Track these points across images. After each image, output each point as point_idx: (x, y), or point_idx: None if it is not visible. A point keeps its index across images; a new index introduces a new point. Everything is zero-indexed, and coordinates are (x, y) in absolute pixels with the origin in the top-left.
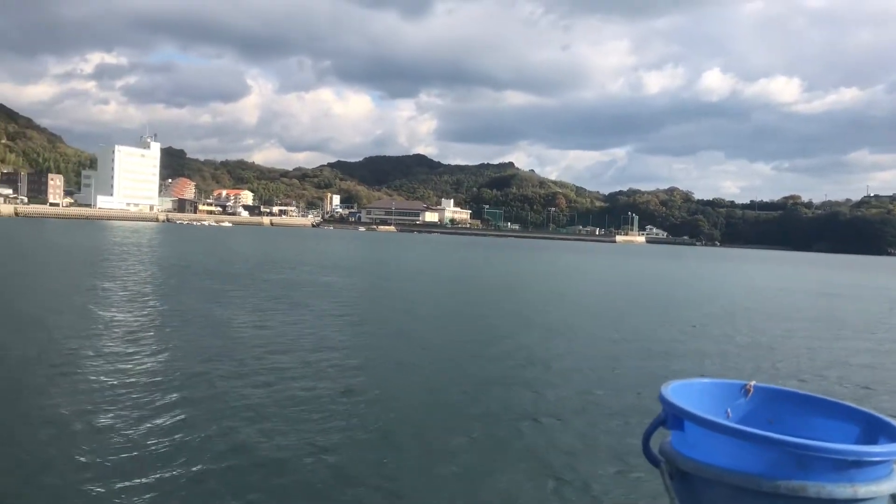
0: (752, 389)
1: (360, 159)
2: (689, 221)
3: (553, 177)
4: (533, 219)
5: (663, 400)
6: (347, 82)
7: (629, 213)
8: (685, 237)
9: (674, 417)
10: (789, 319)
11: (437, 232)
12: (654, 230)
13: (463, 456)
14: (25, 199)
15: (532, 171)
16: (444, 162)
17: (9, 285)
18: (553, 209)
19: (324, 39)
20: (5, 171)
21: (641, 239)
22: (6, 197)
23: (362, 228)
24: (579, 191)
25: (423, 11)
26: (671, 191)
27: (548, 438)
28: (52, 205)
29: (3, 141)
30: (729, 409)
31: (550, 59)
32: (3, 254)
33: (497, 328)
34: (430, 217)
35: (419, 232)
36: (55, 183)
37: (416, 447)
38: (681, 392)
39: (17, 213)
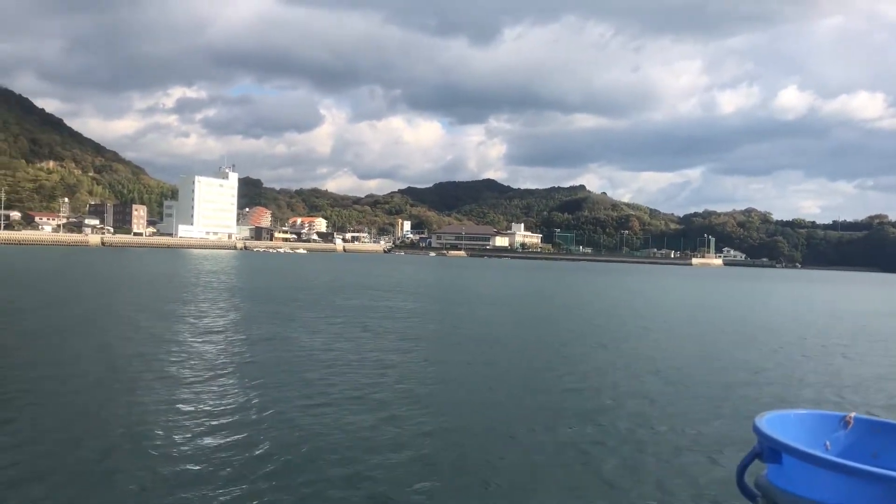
0: (852, 421)
1: (430, 185)
2: (768, 243)
3: (625, 199)
4: (606, 242)
5: (758, 432)
6: (417, 110)
7: (705, 236)
8: (764, 259)
9: (770, 450)
10: (885, 343)
11: (507, 256)
12: (732, 252)
13: (543, 489)
14: (111, 230)
15: (604, 193)
16: (514, 186)
17: (97, 310)
18: (626, 232)
19: (394, 69)
20: (93, 203)
21: (718, 261)
22: (94, 227)
23: (433, 254)
24: (653, 213)
25: (492, 38)
26: (748, 212)
27: (633, 471)
28: (135, 234)
29: (91, 174)
30: (828, 442)
31: (620, 81)
32: (94, 281)
33: (574, 354)
34: (501, 241)
35: (489, 256)
36: (139, 213)
37: (495, 478)
38: (776, 423)
39: (103, 243)
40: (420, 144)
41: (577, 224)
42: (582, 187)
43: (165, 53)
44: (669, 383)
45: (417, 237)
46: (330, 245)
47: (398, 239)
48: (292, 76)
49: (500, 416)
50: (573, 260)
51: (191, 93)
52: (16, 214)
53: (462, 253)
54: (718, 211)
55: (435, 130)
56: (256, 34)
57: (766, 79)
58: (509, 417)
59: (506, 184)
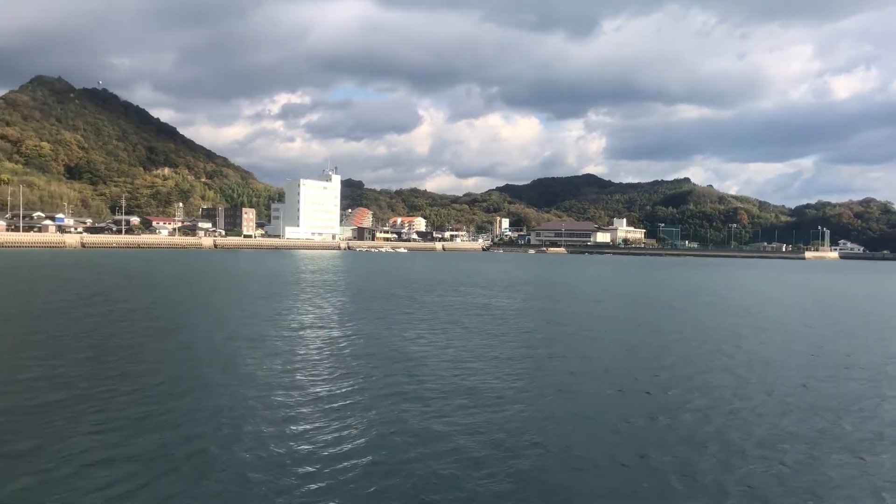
0: None
1: (529, 182)
2: (890, 234)
3: (733, 191)
4: (712, 236)
5: None
6: (515, 106)
7: (819, 228)
8: (885, 252)
9: None
10: None
11: (609, 252)
12: (849, 245)
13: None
14: (223, 232)
15: (710, 186)
16: (615, 181)
17: (216, 308)
18: (734, 225)
19: (491, 66)
20: (205, 207)
21: (834, 254)
22: (206, 230)
23: (532, 251)
24: (762, 205)
25: (590, 31)
26: (867, 202)
27: (781, 480)
28: (245, 236)
29: (203, 179)
30: None
31: (725, 70)
32: (211, 280)
33: (690, 355)
34: (602, 237)
35: (590, 253)
36: (248, 216)
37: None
38: None
39: (216, 245)
40: (517, 141)
41: (681, 218)
42: (686, 180)
43: (271, 61)
44: (806, 392)
45: (516, 234)
46: (429, 244)
47: (497, 237)
48: (391, 78)
49: (619, 418)
50: (679, 255)
51: (295, 98)
52: (135, 219)
53: (562, 250)
54: (833, 202)
55: (532, 126)
56: (356, 38)
57: (884, 61)
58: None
59: (606, 178)
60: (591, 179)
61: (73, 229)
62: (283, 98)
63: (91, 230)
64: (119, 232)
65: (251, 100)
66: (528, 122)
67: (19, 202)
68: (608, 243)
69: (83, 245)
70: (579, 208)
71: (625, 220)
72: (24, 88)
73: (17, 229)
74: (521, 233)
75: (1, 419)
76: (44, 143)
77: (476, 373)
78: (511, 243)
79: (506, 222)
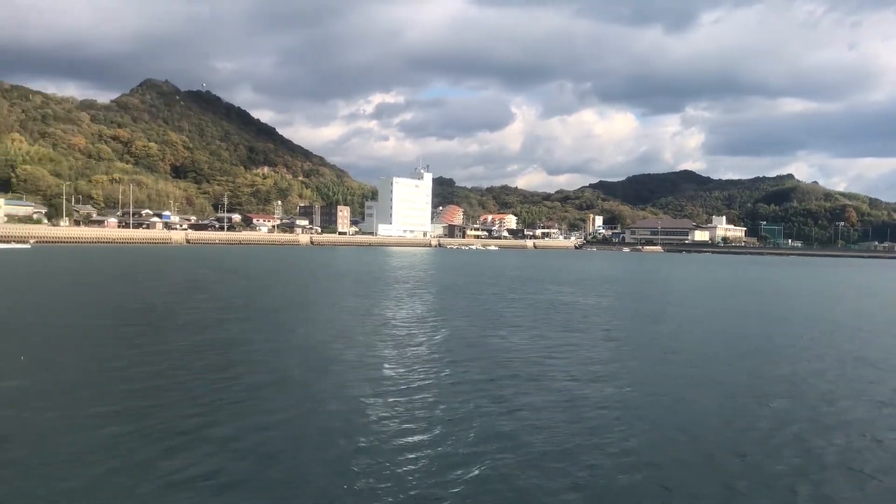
0: None
1: (623, 179)
2: None
3: (840, 188)
4: (817, 235)
5: None
6: (609, 102)
7: None
8: None
9: None
10: None
11: (707, 251)
12: None
13: None
14: (319, 229)
15: (814, 182)
16: (714, 177)
17: (315, 303)
18: (841, 224)
19: (585, 62)
20: (302, 205)
21: None
22: (303, 227)
23: (626, 249)
24: (873, 202)
25: (688, 24)
26: None
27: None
28: (340, 233)
29: (301, 178)
30: None
31: (833, 61)
32: (311, 276)
33: (799, 363)
34: (700, 236)
35: (687, 252)
36: (343, 214)
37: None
38: None
39: (312, 242)
40: (612, 137)
41: (784, 216)
42: (790, 176)
43: (366, 61)
44: None
45: (610, 232)
46: (520, 242)
47: (589, 234)
48: (483, 76)
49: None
50: (781, 254)
51: (389, 98)
52: (236, 217)
53: (658, 248)
54: None
55: (627, 122)
56: (449, 37)
57: None
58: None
59: (704, 175)
60: (688, 176)
61: (178, 226)
62: (378, 98)
63: (195, 227)
64: (221, 229)
65: (347, 100)
66: (623, 118)
67: (130, 200)
68: (706, 242)
69: (188, 241)
70: (676, 206)
71: (724, 217)
72: (135, 92)
73: (127, 226)
74: (615, 231)
75: (107, 399)
76: (152, 144)
77: (576, 378)
78: (604, 241)
79: (599, 220)
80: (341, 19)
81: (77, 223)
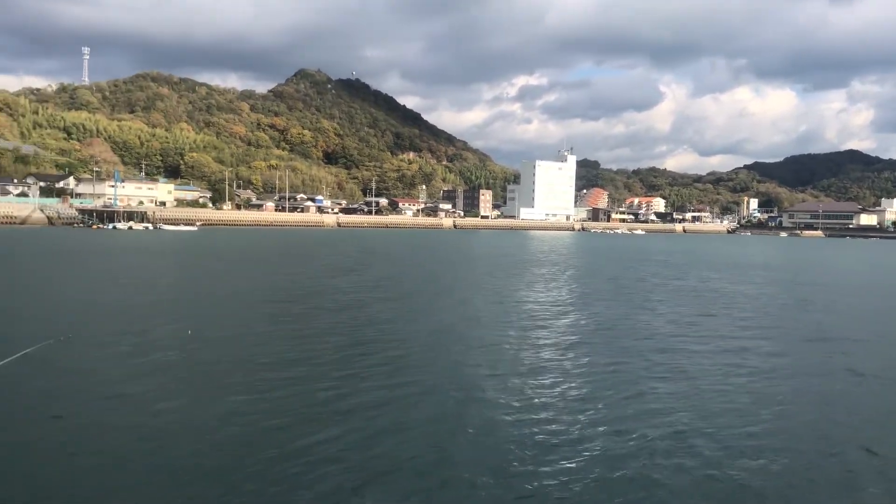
0: None
1: (780, 159)
2: None
3: None
4: None
5: None
6: (765, 78)
7: None
8: None
9: None
10: None
11: (875, 236)
12: None
13: None
14: (461, 213)
15: None
16: (884, 157)
17: (456, 284)
18: None
19: (739, 37)
20: (446, 189)
21: None
22: (446, 212)
23: (784, 234)
24: None
25: None
26: None
27: None
28: (482, 217)
29: (444, 163)
30: None
31: None
32: (453, 259)
33: None
34: (867, 219)
35: (852, 237)
36: (485, 198)
37: None
38: None
39: (455, 226)
40: (768, 115)
41: None
42: None
43: (509, 45)
44: None
45: (766, 216)
46: (668, 226)
47: (743, 218)
48: (630, 55)
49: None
50: None
51: (532, 80)
52: (383, 201)
53: (818, 233)
54: None
55: (786, 99)
56: (594, 16)
57: None
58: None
59: (874, 154)
60: (854, 156)
61: (330, 210)
62: (521, 80)
63: (345, 211)
64: (369, 213)
65: (490, 84)
66: (781, 95)
67: (286, 185)
68: (874, 226)
69: (339, 225)
70: (839, 188)
71: (895, 200)
72: (290, 81)
73: (283, 210)
74: (772, 214)
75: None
76: (306, 131)
77: (751, 373)
78: (760, 225)
79: (754, 203)
80: (485, 4)
81: (238, 207)
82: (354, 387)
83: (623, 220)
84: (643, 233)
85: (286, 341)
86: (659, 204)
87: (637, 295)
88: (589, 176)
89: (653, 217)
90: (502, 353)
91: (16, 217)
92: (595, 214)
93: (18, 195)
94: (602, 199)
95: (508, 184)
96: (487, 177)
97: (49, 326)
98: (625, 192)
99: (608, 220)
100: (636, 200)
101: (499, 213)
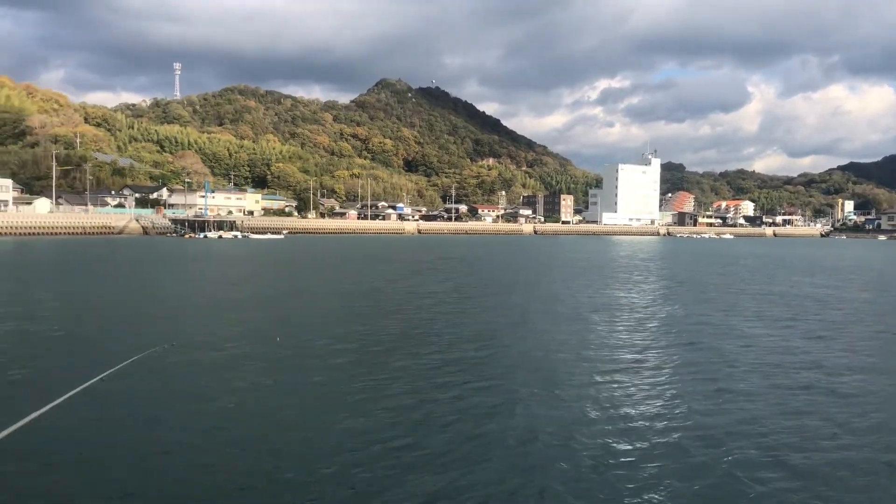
0: None
1: (878, 159)
2: None
3: None
4: None
5: None
6: (861, 75)
7: None
8: None
9: None
10: None
11: None
12: None
13: None
14: (542, 218)
15: None
16: None
17: (535, 288)
18: None
19: (831, 33)
20: (526, 195)
21: None
22: (527, 217)
23: (882, 237)
24: None
25: None
26: None
27: None
28: (563, 222)
29: (524, 168)
30: None
31: None
32: (539, 264)
33: None
34: None
35: None
36: (566, 203)
37: None
38: None
39: (535, 231)
40: (864, 113)
41: None
42: None
43: (590, 48)
44: None
45: (862, 219)
46: (757, 229)
47: (838, 221)
48: (716, 55)
49: None
50: None
51: (614, 83)
52: (463, 207)
53: None
54: None
55: (884, 96)
56: (679, 16)
57: None
58: None
59: None
60: None
61: (410, 217)
62: (603, 83)
63: (425, 218)
64: (449, 219)
65: (571, 88)
66: (880, 92)
67: (367, 193)
68: None
69: (419, 231)
70: None
71: None
72: (371, 91)
73: (365, 217)
74: (869, 216)
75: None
76: (387, 140)
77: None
78: (856, 228)
79: (849, 205)
80: (566, 8)
81: (322, 215)
82: (453, 392)
83: (710, 225)
84: (731, 237)
85: (373, 346)
86: (747, 207)
87: (724, 299)
88: (674, 179)
89: (741, 221)
90: (586, 357)
91: (114, 227)
92: (681, 219)
93: (116, 206)
94: (688, 203)
95: (590, 188)
96: (568, 181)
97: (156, 333)
98: (711, 195)
99: (694, 225)
100: (723, 204)
101: (580, 219)
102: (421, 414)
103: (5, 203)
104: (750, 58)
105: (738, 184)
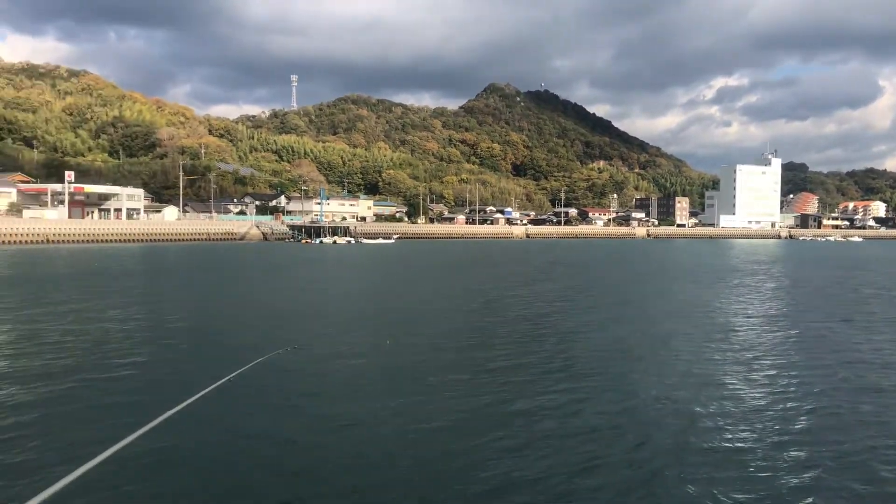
0: None
1: None
2: None
3: None
4: None
5: None
6: None
7: None
8: None
9: None
10: None
11: None
12: None
13: None
14: (656, 222)
15: None
16: None
17: (648, 293)
18: None
19: None
20: (638, 198)
21: None
22: (639, 220)
23: None
24: None
25: None
26: None
27: None
28: (678, 225)
29: (636, 170)
30: None
31: None
32: (653, 268)
33: None
34: None
35: None
36: (681, 205)
37: None
38: None
39: (648, 235)
40: None
41: None
42: None
43: (706, 45)
44: None
45: None
46: (891, 231)
47: None
48: (843, 48)
49: None
50: None
51: (731, 81)
52: (573, 211)
53: None
54: None
55: None
56: (801, 9)
57: None
58: None
59: None
60: None
61: (518, 221)
62: (719, 82)
63: (533, 222)
64: (558, 223)
65: (686, 87)
66: None
67: (476, 198)
68: None
69: (527, 236)
70: None
71: None
72: (479, 96)
73: (473, 222)
74: None
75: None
76: (495, 145)
77: None
78: None
79: None
80: (681, 5)
81: (431, 220)
82: (567, 398)
83: (836, 227)
84: (860, 240)
85: (482, 348)
86: (878, 208)
87: (847, 308)
88: (795, 180)
89: (871, 223)
90: (697, 364)
91: (236, 233)
92: (804, 221)
93: (238, 213)
94: (811, 204)
95: (706, 190)
96: (683, 183)
97: (278, 336)
98: (837, 196)
99: (819, 227)
100: (851, 205)
101: (696, 221)
102: (539, 416)
103: (137, 211)
104: (881, 50)
105: (867, 183)
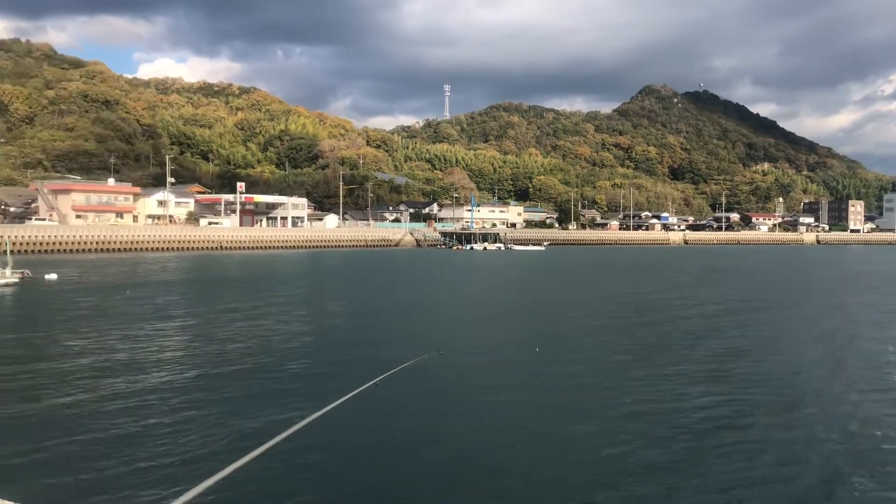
0: None
1: None
2: None
3: None
4: None
5: None
6: None
7: None
8: None
9: None
10: None
11: None
12: None
13: None
14: (826, 227)
15: None
16: None
17: (821, 303)
18: None
19: None
20: (807, 202)
21: None
22: (808, 226)
23: None
24: None
25: None
26: None
27: None
28: (852, 231)
29: (804, 173)
30: None
31: None
32: (828, 276)
33: None
34: None
35: None
36: (855, 209)
37: None
38: None
39: (818, 241)
40: None
41: None
42: None
43: (884, 37)
44: None
45: None
46: None
47: None
48: None
49: None
50: None
51: None
52: (734, 216)
53: None
54: None
55: None
56: None
57: None
58: None
59: None
60: None
61: (676, 227)
62: None
63: (692, 227)
64: (719, 229)
65: (861, 83)
66: None
67: (630, 203)
68: None
69: (685, 242)
70: None
71: None
72: (634, 99)
73: (627, 228)
74: None
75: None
76: (650, 148)
77: None
78: None
79: None
80: None
81: (583, 226)
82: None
83: None
84: None
85: (632, 355)
86: None
87: None
88: None
89: None
90: (847, 377)
91: (391, 240)
92: None
93: (393, 220)
94: None
95: (885, 193)
96: (857, 186)
97: (425, 342)
98: None
99: None
100: None
101: (873, 227)
102: (697, 428)
103: (301, 219)
104: None
105: None
